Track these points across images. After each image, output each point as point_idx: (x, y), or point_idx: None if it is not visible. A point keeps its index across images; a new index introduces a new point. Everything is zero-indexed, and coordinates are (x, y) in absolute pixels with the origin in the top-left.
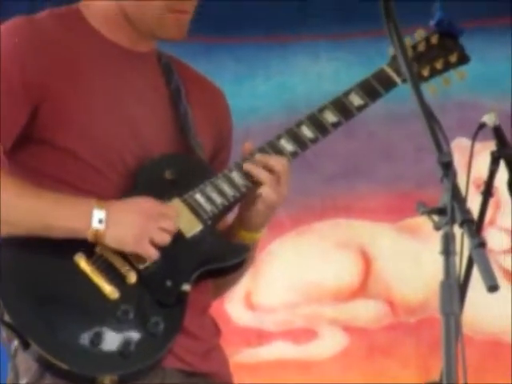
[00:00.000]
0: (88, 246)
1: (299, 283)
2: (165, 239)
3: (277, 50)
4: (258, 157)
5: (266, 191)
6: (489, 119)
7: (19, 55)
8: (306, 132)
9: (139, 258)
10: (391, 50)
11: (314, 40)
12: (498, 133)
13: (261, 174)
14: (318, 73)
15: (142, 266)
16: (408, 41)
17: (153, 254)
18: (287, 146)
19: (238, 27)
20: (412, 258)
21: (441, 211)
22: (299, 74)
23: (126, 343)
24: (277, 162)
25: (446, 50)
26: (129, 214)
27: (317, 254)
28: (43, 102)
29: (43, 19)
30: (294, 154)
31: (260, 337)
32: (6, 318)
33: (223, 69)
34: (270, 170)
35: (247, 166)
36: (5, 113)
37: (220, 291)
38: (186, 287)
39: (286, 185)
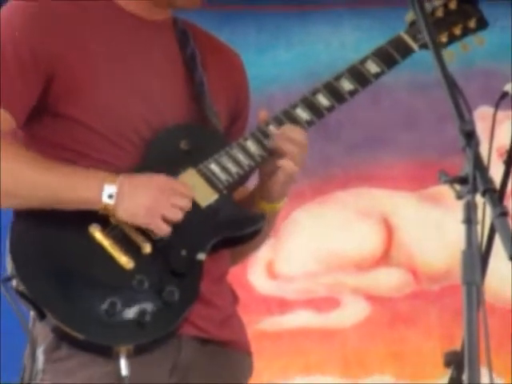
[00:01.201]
0: (103, 217)
1: (321, 252)
2: (177, 215)
3: (298, 18)
4: (278, 129)
5: (287, 163)
6: (511, 88)
7: (28, 28)
8: (322, 100)
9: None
10: (409, 17)
11: (336, 9)
12: None
13: (284, 145)
14: (340, 41)
15: (157, 237)
16: (427, 6)
17: (164, 230)
18: (303, 114)
19: None
20: (434, 227)
21: (463, 180)
22: (321, 42)
23: (142, 313)
24: (296, 134)
25: (464, 15)
26: (140, 189)
27: (339, 223)
28: (55, 74)
29: None
30: (309, 123)
31: (282, 305)
32: (22, 288)
33: (245, 38)
34: (291, 142)
35: (269, 141)
36: (17, 86)
37: (238, 258)
38: (202, 256)
39: (304, 154)
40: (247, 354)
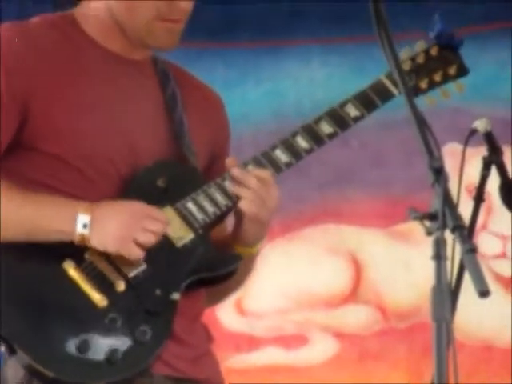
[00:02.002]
0: (77, 253)
1: (290, 289)
2: (150, 240)
3: (268, 54)
4: (236, 173)
5: (242, 205)
6: (480, 125)
7: (5, 63)
8: (301, 143)
9: (128, 265)
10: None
11: (305, 44)
12: (489, 138)
13: (237, 190)
14: (309, 78)
15: (131, 274)
16: (407, 52)
17: (137, 254)
18: (282, 156)
19: (228, 32)
20: (403, 264)
21: (432, 216)
22: (290, 79)
23: (113, 351)
24: (251, 178)
25: (445, 62)
26: (113, 215)
27: (307, 260)
28: (32, 110)
29: (34, 25)
30: (288, 165)
31: (251, 342)
32: None
33: (213, 74)
34: (247, 186)
35: (227, 184)
36: None
37: (215, 300)
38: (176, 296)
39: (269, 198)
40: None
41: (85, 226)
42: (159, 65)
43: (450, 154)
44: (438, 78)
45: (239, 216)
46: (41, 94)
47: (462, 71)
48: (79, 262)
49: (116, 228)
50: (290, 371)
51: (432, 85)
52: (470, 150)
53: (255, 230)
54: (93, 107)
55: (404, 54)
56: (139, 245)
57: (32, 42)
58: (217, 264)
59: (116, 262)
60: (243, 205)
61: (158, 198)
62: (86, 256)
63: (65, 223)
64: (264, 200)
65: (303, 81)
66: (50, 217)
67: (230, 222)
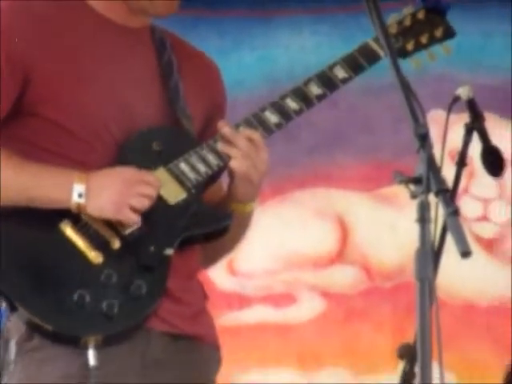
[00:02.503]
0: (74, 214)
1: (279, 250)
2: (144, 204)
3: (261, 23)
4: (226, 133)
5: (233, 164)
6: (463, 92)
7: (6, 30)
8: (291, 104)
9: (123, 224)
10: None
11: (297, 14)
12: (471, 105)
13: (227, 149)
14: (300, 46)
15: (126, 232)
16: (395, 17)
17: (133, 219)
18: (272, 117)
19: (223, 1)
20: (388, 226)
21: (417, 180)
22: (282, 46)
23: (110, 306)
24: (241, 139)
25: (431, 24)
26: (108, 183)
27: (296, 222)
28: (32, 77)
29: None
30: (278, 125)
31: (241, 301)
32: None
33: (208, 42)
34: (237, 146)
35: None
36: None
37: (211, 261)
38: (169, 251)
39: (258, 158)
40: (216, 348)
41: (80, 195)
42: (157, 33)
43: (434, 120)
44: (424, 40)
45: (231, 175)
46: (41, 62)
47: (449, 33)
48: (76, 222)
49: (110, 196)
50: (278, 328)
51: (418, 47)
52: (453, 117)
53: (246, 189)
54: (91, 75)
55: (392, 18)
56: (134, 209)
57: (31, 12)
58: (209, 221)
59: (111, 221)
60: (233, 164)
61: (152, 160)
62: (82, 216)
63: (61, 193)
64: (253, 159)
65: (294, 48)
66: (46, 186)
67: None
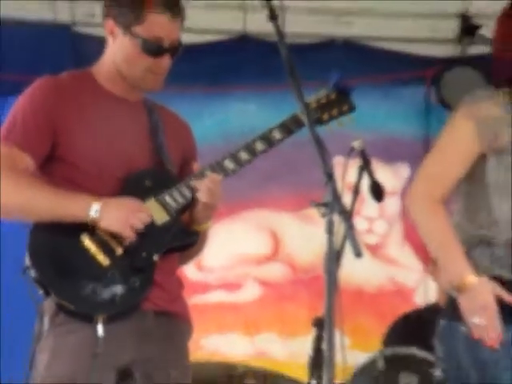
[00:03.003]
0: (91, 228)
1: (232, 252)
2: (140, 226)
3: (219, 96)
4: (197, 174)
5: (199, 196)
6: (357, 145)
7: (45, 102)
8: (243, 155)
9: (124, 237)
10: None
11: (246, 90)
12: (362, 154)
13: (197, 185)
14: (248, 113)
15: (126, 243)
16: (315, 95)
17: (131, 236)
18: (229, 165)
19: (191, 80)
20: (307, 236)
21: (325, 205)
22: (235, 112)
23: (114, 295)
24: (207, 179)
25: (340, 102)
26: (117, 207)
27: (244, 234)
28: (59, 135)
29: (64, 78)
30: (233, 171)
31: (205, 288)
32: (35, 275)
33: (180, 109)
34: (203, 183)
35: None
36: (36, 141)
37: (185, 261)
38: (156, 257)
39: (217, 192)
40: (189, 323)
41: (96, 211)
42: (148, 104)
43: (337, 163)
44: (335, 113)
45: (196, 203)
46: (65, 125)
47: (351, 109)
48: (92, 235)
49: (118, 216)
50: (231, 307)
51: (331, 117)
52: (350, 161)
53: (206, 213)
54: (100, 134)
55: (313, 96)
56: (132, 228)
57: (62, 89)
58: (184, 237)
59: (116, 235)
60: (200, 195)
61: (145, 193)
62: (97, 231)
63: (81, 210)
64: (213, 193)
65: (244, 114)
66: (70, 205)
67: None
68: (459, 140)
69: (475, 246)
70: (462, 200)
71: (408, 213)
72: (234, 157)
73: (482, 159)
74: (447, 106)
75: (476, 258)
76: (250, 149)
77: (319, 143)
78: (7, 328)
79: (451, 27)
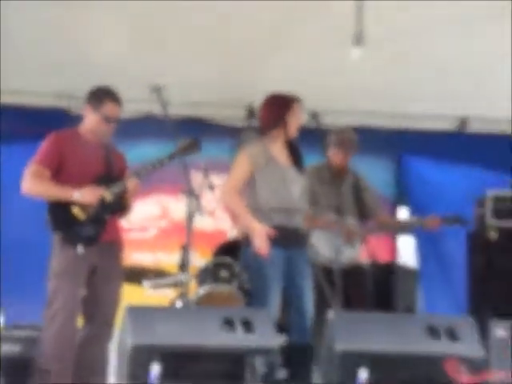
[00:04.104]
0: (76, 203)
1: (144, 213)
2: (97, 198)
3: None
4: (128, 177)
5: (128, 188)
6: (203, 165)
7: (55, 146)
8: (149, 168)
9: (91, 206)
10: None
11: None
12: (205, 171)
13: (127, 182)
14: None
15: (91, 210)
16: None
17: (94, 203)
18: (141, 172)
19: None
20: (182, 207)
21: (188, 192)
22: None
23: (87, 233)
24: (131, 179)
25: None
26: (88, 191)
27: (149, 206)
28: (62, 163)
29: (63, 132)
30: (143, 176)
31: (130, 230)
32: (50, 225)
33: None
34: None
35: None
36: (51, 164)
37: (122, 217)
38: (107, 216)
39: (137, 186)
40: (123, 245)
41: (77, 195)
42: (108, 144)
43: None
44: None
45: (127, 191)
46: (64, 159)
47: (198, 149)
48: (76, 206)
49: (88, 195)
50: (142, 240)
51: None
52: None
53: (131, 196)
54: (79, 163)
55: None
56: (95, 201)
57: (63, 139)
58: (120, 207)
59: (88, 205)
60: (128, 187)
61: (102, 186)
62: (78, 204)
63: (70, 195)
64: (134, 187)
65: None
66: (63, 193)
67: None
68: (241, 164)
69: (258, 211)
70: (248, 191)
71: (224, 198)
72: (144, 169)
73: (253, 173)
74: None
75: (260, 216)
76: (153, 165)
77: (185, 166)
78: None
79: None
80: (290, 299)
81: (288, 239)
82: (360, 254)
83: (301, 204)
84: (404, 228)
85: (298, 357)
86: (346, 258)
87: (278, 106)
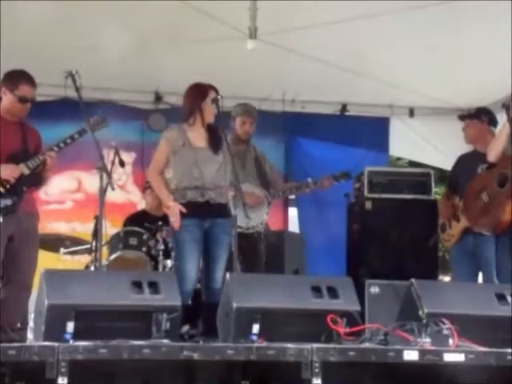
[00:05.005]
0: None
1: (60, 187)
2: (15, 176)
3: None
4: (45, 150)
5: (46, 160)
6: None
7: None
8: (61, 145)
9: (9, 180)
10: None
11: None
12: (116, 150)
13: (45, 155)
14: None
15: (12, 183)
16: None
17: (12, 179)
18: (59, 145)
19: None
20: (95, 181)
21: (99, 168)
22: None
23: (6, 204)
24: (50, 152)
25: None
26: (5, 168)
27: (66, 181)
28: None
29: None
30: (61, 149)
31: (48, 202)
32: None
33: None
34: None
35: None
36: None
37: (38, 189)
38: (25, 188)
39: (55, 159)
40: (38, 216)
41: None
42: (25, 122)
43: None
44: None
45: (43, 165)
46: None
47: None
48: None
49: (6, 171)
50: (59, 211)
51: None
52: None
53: (47, 169)
54: (3, 140)
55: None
56: (12, 176)
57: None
58: (38, 179)
59: (7, 180)
60: (47, 159)
61: (19, 161)
62: None
63: None
64: (53, 160)
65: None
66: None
67: None
68: (161, 147)
69: (175, 189)
70: (168, 172)
71: (148, 178)
72: (57, 144)
73: (170, 155)
74: (157, 131)
75: (175, 194)
76: (64, 140)
77: (97, 143)
78: None
79: None
80: (205, 264)
81: (201, 212)
82: (263, 221)
83: (218, 181)
84: (301, 189)
85: (208, 315)
86: (250, 225)
87: (195, 95)
